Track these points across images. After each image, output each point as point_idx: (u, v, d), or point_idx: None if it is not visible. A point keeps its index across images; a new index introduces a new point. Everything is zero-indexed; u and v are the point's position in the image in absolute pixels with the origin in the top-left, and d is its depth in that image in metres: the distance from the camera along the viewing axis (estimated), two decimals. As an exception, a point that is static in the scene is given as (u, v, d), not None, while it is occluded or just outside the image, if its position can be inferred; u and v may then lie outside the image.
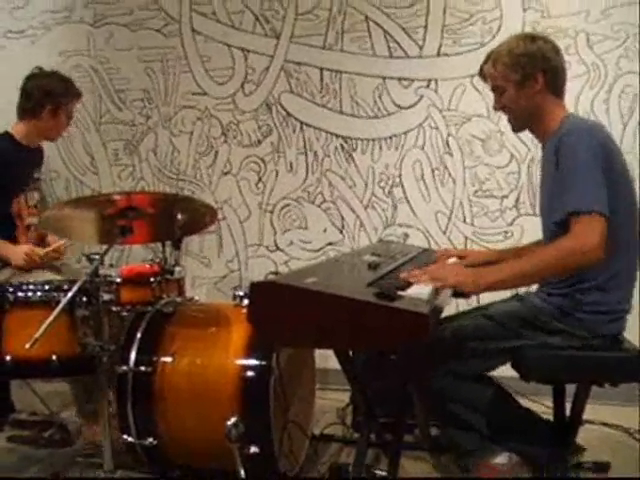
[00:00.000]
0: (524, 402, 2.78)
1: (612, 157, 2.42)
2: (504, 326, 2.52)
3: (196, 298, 3.41)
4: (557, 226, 2.41)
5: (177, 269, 3.34)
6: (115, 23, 4.78)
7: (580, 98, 4.01)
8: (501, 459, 2.46)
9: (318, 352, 3.28)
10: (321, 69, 4.47)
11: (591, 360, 2.45)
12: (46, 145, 3.91)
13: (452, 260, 3.04)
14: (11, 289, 2.86)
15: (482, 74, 2.69)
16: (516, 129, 2.75)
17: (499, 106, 2.67)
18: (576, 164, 2.35)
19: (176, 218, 3.06)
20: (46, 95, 3.57)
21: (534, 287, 2.71)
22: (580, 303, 2.46)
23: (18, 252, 3.44)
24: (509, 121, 2.70)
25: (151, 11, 4.71)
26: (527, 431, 2.57)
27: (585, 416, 2.70)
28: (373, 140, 4.42)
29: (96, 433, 3.00)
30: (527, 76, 2.55)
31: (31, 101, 3.59)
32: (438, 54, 4.28)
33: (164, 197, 3.16)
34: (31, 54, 4.85)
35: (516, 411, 2.62)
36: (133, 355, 2.84)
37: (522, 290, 2.86)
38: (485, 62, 2.66)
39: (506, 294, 2.85)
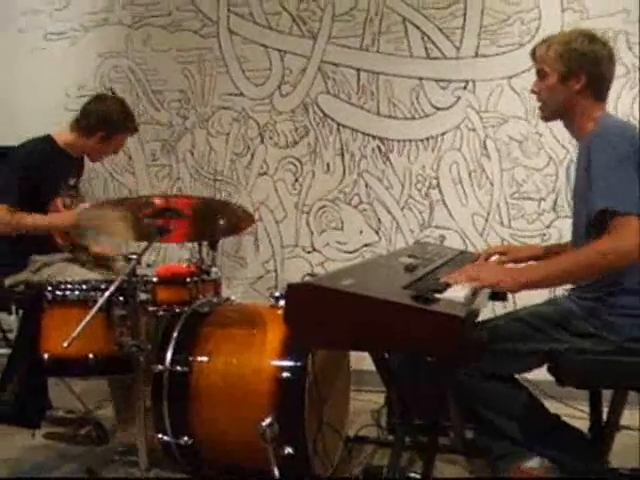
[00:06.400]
0: (560, 407, 2.76)
1: None
2: (535, 328, 2.49)
3: (232, 298, 3.42)
4: (589, 226, 2.40)
5: (213, 269, 3.36)
6: (153, 24, 4.81)
7: (620, 99, 3.96)
8: (533, 463, 2.44)
9: (353, 353, 3.27)
10: (358, 70, 4.46)
11: (629, 365, 2.39)
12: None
13: (494, 257, 3.03)
14: (49, 288, 2.89)
15: (533, 53, 2.68)
16: (544, 118, 2.73)
17: (536, 90, 2.66)
18: (609, 165, 2.33)
19: (213, 222, 3.09)
20: (103, 121, 3.62)
21: (566, 291, 2.69)
22: (612, 306, 2.43)
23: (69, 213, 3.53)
24: (539, 108, 2.69)
25: (188, 12, 4.74)
26: (558, 437, 2.54)
27: (622, 422, 2.67)
28: (410, 141, 4.41)
29: (131, 436, 3.02)
30: (572, 72, 2.52)
31: (87, 121, 3.64)
32: (476, 55, 4.26)
33: (202, 202, 3.16)
34: (70, 55, 4.93)
35: (546, 417, 2.59)
36: (169, 355, 2.86)
37: (558, 294, 2.83)
38: (540, 43, 2.65)
39: (541, 299, 2.83)
